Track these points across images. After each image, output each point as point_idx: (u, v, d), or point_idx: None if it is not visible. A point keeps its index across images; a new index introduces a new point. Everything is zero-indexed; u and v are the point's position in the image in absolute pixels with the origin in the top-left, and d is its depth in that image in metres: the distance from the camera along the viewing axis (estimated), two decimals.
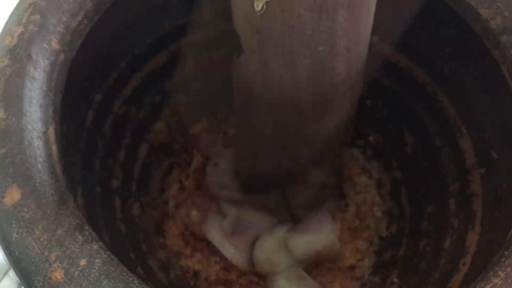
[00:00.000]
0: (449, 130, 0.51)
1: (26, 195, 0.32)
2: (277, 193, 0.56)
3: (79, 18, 0.42)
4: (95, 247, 0.31)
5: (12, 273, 0.59)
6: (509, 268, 0.33)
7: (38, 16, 0.40)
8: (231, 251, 0.55)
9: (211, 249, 0.56)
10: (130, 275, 0.31)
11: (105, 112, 0.50)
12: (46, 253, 0.31)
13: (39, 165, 0.34)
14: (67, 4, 0.41)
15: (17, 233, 0.31)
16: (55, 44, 0.40)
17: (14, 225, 0.31)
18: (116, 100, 0.52)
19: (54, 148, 0.36)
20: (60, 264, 0.30)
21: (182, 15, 0.54)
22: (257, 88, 0.44)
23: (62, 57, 0.40)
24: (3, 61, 0.37)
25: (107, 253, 0.31)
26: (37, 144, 0.35)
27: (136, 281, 0.31)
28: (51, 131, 0.37)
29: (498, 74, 0.44)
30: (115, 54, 0.50)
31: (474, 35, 0.45)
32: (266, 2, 0.35)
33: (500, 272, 0.33)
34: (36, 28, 0.39)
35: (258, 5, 0.36)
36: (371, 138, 0.61)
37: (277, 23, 0.37)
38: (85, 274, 0.30)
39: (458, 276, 0.45)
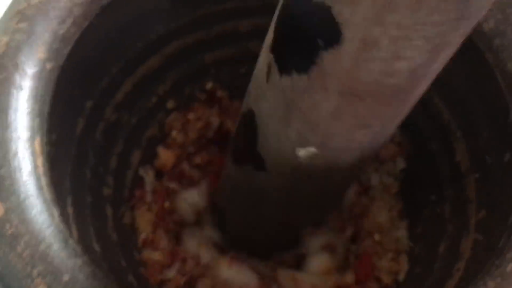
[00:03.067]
0: (444, 134, 0.51)
1: (9, 211, 0.32)
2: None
3: (67, 25, 0.41)
4: (79, 261, 0.31)
5: None
6: (499, 278, 0.33)
7: (25, 24, 0.39)
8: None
9: None
10: None
11: (96, 119, 0.50)
12: (28, 269, 0.30)
13: (24, 178, 0.34)
14: (55, 11, 0.41)
15: None
16: (42, 53, 0.39)
17: None
18: (108, 107, 0.51)
19: (40, 160, 0.35)
20: (42, 280, 0.30)
21: (174, 18, 0.54)
22: (274, 197, 0.43)
23: (49, 65, 0.39)
24: None
25: (91, 267, 0.31)
26: (23, 155, 0.35)
27: None
28: (38, 142, 0.36)
29: (492, 78, 0.44)
30: (106, 59, 0.49)
31: (467, 38, 0.44)
32: (313, 154, 0.34)
33: (490, 282, 0.33)
34: (23, 37, 0.39)
35: (301, 152, 0.35)
36: None
37: (319, 169, 0.37)
38: None
39: (451, 282, 0.44)
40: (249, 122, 0.38)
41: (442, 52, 0.28)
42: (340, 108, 0.31)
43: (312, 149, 0.34)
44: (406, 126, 0.55)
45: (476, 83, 0.46)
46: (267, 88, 0.34)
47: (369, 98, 0.30)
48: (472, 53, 0.44)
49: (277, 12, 0.33)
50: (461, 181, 0.48)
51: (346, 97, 0.30)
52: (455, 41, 0.28)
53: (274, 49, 0.33)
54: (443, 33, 0.26)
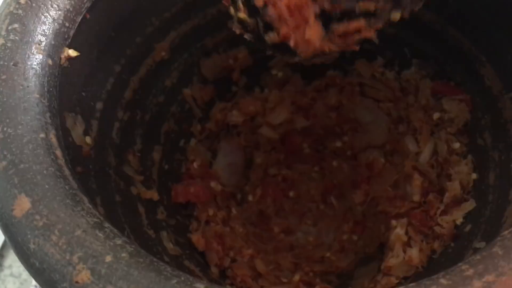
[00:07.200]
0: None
1: (36, 203, 0.30)
2: None
3: (60, 21, 0.40)
4: (118, 241, 0.29)
5: None
6: None
7: (17, 25, 0.38)
8: None
9: None
10: (161, 264, 0.29)
11: (110, 120, 0.48)
12: (67, 257, 0.28)
13: (45, 171, 0.32)
14: (45, 9, 0.39)
15: (33, 243, 0.29)
16: (40, 50, 0.37)
17: (29, 235, 0.29)
18: (118, 106, 0.49)
19: (58, 152, 0.33)
20: (84, 265, 0.28)
21: (168, 8, 0.52)
22: None
23: (49, 61, 0.38)
24: None
25: (133, 246, 0.29)
26: (39, 151, 0.33)
27: (168, 269, 0.28)
28: (53, 136, 0.34)
29: None
30: (107, 58, 0.48)
31: None
32: None
33: None
34: (17, 37, 0.37)
35: None
36: None
37: None
38: (113, 270, 0.28)
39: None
40: None
41: None
42: None
43: None
44: None
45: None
46: None
47: None
48: None
49: None
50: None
51: None
52: None
53: None
54: None
